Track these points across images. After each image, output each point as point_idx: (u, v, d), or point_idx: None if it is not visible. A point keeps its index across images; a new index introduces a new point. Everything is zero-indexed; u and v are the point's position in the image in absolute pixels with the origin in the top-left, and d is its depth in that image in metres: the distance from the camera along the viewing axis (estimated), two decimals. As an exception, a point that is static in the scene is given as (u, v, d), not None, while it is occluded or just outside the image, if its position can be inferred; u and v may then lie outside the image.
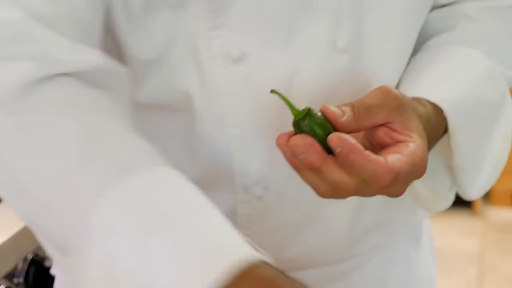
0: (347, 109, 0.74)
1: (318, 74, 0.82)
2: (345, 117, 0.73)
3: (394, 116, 0.75)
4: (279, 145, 0.73)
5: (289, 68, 0.81)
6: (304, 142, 0.71)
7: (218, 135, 0.83)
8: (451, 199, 0.92)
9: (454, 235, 3.52)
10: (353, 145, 0.70)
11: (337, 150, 0.70)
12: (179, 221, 0.65)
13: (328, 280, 0.94)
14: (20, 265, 1.23)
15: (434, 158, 0.89)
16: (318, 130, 0.73)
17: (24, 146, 0.72)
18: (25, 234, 1.24)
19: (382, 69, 0.86)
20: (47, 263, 1.23)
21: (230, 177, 0.85)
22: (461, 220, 3.67)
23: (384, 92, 0.76)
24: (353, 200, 0.85)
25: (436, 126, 0.83)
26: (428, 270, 1.05)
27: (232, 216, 0.86)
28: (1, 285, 1.18)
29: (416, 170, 0.73)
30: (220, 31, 0.80)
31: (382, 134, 0.75)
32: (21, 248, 1.24)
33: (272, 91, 0.75)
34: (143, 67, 0.82)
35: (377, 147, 0.76)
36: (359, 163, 0.70)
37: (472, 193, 0.90)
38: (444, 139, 0.86)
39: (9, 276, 1.21)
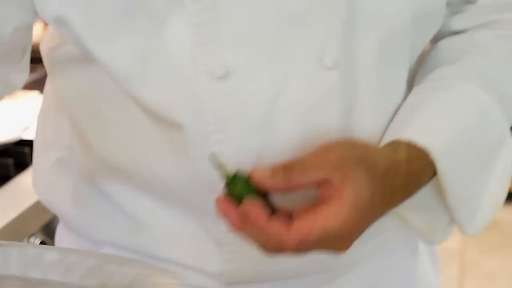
0: (278, 170, 0.75)
1: (305, 91, 0.81)
2: (273, 180, 0.75)
3: (331, 174, 0.75)
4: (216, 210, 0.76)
5: (275, 85, 0.80)
6: (222, 207, 0.75)
7: (202, 150, 0.82)
8: (448, 233, 0.91)
9: (436, 233, 3.53)
10: (257, 215, 0.73)
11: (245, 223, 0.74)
12: None
13: (313, 286, 0.94)
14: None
15: (430, 194, 0.88)
16: (245, 193, 0.75)
17: None
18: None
19: (372, 88, 0.85)
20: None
21: (215, 190, 0.84)
22: (442, 217, 3.68)
23: (320, 151, 0.76)
24: None
25: (416, 171, 0.81)
26: (427, 276, 1.03)
27: (216, 227, 0.86)
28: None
29: (337, 232, 0.74)
30: (204, 48, 0.79)
31: (320, 189, 0.76)
32: (21, 231, 1.23)
33: (210, 157, 0.77)
34: (123, 78, 0.82)
35: (319, 200, 0.76)
36: (264, 230, 0.73)
37: (470, 231, 0.88)
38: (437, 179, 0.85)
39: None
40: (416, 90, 0.89)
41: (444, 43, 0.93)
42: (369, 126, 0.85)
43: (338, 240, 0.75)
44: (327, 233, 0.73)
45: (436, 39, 0.95)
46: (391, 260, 0.98)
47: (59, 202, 0.97)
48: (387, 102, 0.87)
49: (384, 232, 0.95)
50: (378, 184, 0.76)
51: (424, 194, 0.87)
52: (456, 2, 0.93)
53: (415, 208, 0.89)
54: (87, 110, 0.90)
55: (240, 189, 0.75)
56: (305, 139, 0.81)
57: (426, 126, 0.84)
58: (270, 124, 0.80)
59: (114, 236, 0.93)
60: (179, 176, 0.85)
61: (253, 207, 0.74)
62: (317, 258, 0.86)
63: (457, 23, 0.94)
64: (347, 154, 0.76)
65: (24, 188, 1.32)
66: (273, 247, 0.75)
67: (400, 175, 0.79)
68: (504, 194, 0.89)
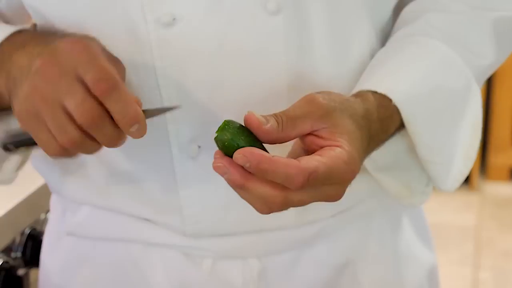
0: (270, 118, 0.74)
1: (248, 35, 0.83)
2: (268, 125, 0.73)
3: (319, 124, 0.75)
4: (215, 168, 0.73)
5: (219, 30, 0.83)
6: (224, 162, 0.72)
7: (150, 95, 0.85)
8: (428, 194, 0.92)
9: (451, 210, 3.53)
10: (260, 155, 0.71)
11: (247, 165, 0.71)
12: None
13: (282, 247, 0.94)
14: (17, 239, 1.23)
15: (404, 153, 0.89)
16: (240, 142, 0.72)
17: None
18: (22, 208, 1.23)
19: (324, 34, 0.86)
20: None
21: (165, 136, 0.87)
22: (458, 195, 3.68)
23: (308, 101, 0.76)
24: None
25: (383, 117, 0.82)
26: (410, 249, 1.04)
27: (172, 175, 0.88)
28: (-1, 259, 1.17)
29: (340, 172, 0.73)
30: None
31: (309, 143, 0.75)
32: (18, 222, 1.24)
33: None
34: (76, 28, 0.85)
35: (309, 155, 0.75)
36: (270, 169, 0.71)
37: (446, 186, 0.89)
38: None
39: (7, 250, 1.21)
40: (379, 51, 0.90)
41: (409, 7, 0.95)
42: (325, 72, 0.87)
43: (339, 183, 0.75)
44: (332, 172, 0.72)
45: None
46: (368, 231, 0.99)
47: (43, 165, 0.99)
48: (346, 50, 0.88)
49: (363, 200, 0.96)
50: (362, 129, 0.78)
51: (398, 155, 0.89)
52: None
53: (390, 171, 0.90)
54: None
55: (232, 136, 0.72)
56: (253, 83, 0.84)
57: (385, 77, 0.86)
58: (217, 68, 0.83)
59: (89, 196, 0.95)
60: None
61: (253, 151, 0.71)
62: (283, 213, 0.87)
63: None
64: (330, 105, 0.76)
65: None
66: (280, 198, 0.72)
67: (374, 122, 0.81)
68: (477, 146, 0.90)
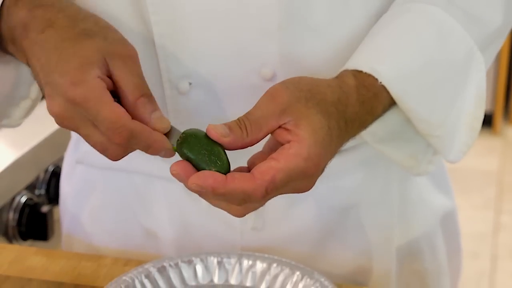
0: (234, 127, 0.73)
1: None
2: (230, 137, 0.72)
3: (284, 119, 0.73)
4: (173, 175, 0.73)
5: None
6: (179, 168, 0.72)
7: (142, 32, 0.85)
8: (435, 163, 0.90)
9: (473, 155, 3.51)
10: (212, 182, 0.70)
11: (204, 191, 0.71)
12: None
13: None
14: (41, 177, 1.24)
15: (406, 124, 0.86)
16: (197, 150, 0.72)
17: None
18: (46, 145, 1.24)
19: None
20: (68, 175, 1.24)
21: (157, 73, 0.86)
22: (480, 139, 3.64)
23: (269, 97, 0.74)
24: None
25: (365, 99, 0.79)
26: (422, 194, 1.03)
27: (165, 111, 0.88)
28: (23, 196, 1.18)
29: (300, 170, 0.72)
30: None
31: (278, 136, 0.74)
32: (42, 160, 1.24)
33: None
34: None
35: (277, 147, 0.75)
36: (227, 192, 0.70)
37: (450, 157, 0.87)
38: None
39: (31, 187, 1.22)
40: (378, 21, 0.86)
41: None
42: (320, 15, 0.84)
43: (304, 179, 0.74)
44: (291, 174, 0.71)
45: None
46: (374, 176, 0.97)
47: None
48: None
49: (366, 143, 0.93)
50: (331, 117, 0.75)
51: (399, 125, 0.86)
52: None
53: (393, 141, 0.88)
54: None
55: (194, 147, 0.73)
56: (243, 21, 0.82)
57: (373, 53, 0.82)
58: (206, 4, 0.82)
59: None
60: None
61: (205, 178, 0.71)
62: None
63: None
64: (294, 95, 0.74)
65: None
66: (241, 208, 0.73)
67: (351, 106, 0.78)
68: (481, 116, 0.87)
